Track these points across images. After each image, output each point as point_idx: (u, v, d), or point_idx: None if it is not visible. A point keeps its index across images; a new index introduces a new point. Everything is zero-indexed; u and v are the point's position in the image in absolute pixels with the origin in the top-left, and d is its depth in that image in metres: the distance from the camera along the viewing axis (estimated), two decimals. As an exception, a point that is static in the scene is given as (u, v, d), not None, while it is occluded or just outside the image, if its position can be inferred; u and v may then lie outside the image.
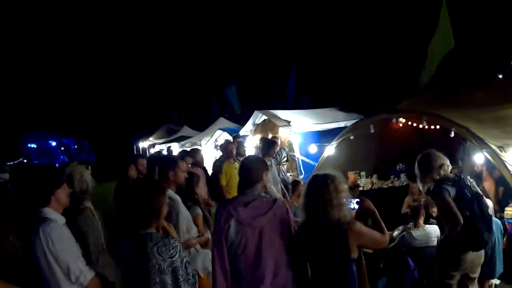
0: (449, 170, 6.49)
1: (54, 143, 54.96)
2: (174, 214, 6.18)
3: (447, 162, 6.52)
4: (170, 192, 6.33)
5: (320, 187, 4.73)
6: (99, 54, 76.82)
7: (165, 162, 7.08)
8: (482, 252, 6.46)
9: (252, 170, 5.12)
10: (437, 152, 6.55)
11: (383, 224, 4.95)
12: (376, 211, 5.05)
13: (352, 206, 5.04)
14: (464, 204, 6.20)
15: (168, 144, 30.23)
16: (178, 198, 6.49)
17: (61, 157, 52.41)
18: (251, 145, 17.62)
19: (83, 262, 5.04)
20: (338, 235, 4.60)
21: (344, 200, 4.75)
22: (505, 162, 8.50)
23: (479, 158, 9.92)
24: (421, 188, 6.86)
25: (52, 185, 5.30)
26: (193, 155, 11.55)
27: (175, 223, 6.07)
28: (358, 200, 5.11)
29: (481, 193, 6.41)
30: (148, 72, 74.31)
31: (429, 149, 6.68)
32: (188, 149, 14.60)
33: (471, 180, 6.51)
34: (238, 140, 15.40)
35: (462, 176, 6.42)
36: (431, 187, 6.52)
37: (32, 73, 72.91)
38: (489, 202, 9.15)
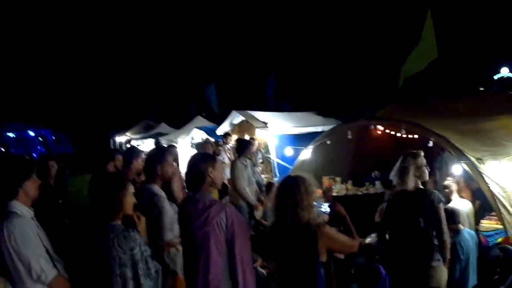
0: (418, 184, 6.37)
1: (32, 134, 54.59)
2: (157, 210, 6.05)
3: (423, 178, 6.41)
4: (155, 188, 6.33)
5: (291, 188, 4.72)
6: (81, 48, 76.65)
7: (153, 155, 6.90)
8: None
9: (191, 174, 5.04)
10: (420, 161, 6.42)
11: (353, 229, 4.95)
12: (347, 216, 5.01)
13: (323, 210, 4.96)
14: (398, 225, 6.29)
15: (155, 138, 30.00)
16: (163, 194, 6.34)
17: (39, 148, 52.09)
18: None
19: (47, 261, 4.81)
20: (307, 237, 4.56)
21: (315, 203, 4.69)
22: (483, 175, 8.43)
23: (457, 169, 9.85)
24: (395, 184, 6.73)
25: (20, 176, 5.08)
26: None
27: (157, 219, 5.97)
28: (329, 203, 5.02)
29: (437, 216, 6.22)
30: (129, 67, 74.20)
31: (419, 152, 6.55)
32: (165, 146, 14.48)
33: (440, 197, 6.37)
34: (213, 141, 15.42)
35: (422, 193, 6.29)
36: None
37: (12, 64, 72.40)
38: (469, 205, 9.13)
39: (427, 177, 6.59)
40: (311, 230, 4.55)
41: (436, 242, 6.08)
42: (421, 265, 6.09)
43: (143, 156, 8.37)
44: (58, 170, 10.28)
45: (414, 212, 6.06)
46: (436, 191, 6.38)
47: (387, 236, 6.67)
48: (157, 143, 24.39)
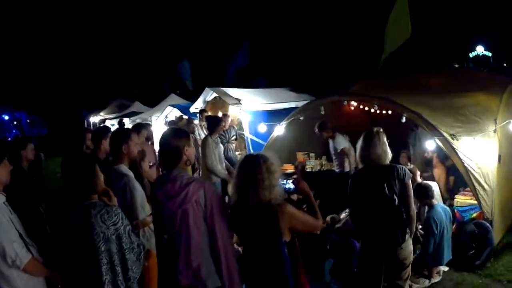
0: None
1: (6, 117, 54.12)
2: (129, 190, 5.95)
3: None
4: (124, 168, 6.22)
5: (251, 167, 4.57)
6: (52, 28, 75.87)
7: (117, 135, 6.75)
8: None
9: (167, 152, 4.85)
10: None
11: (317, 207, 4.81)
12: (311, 194, 4.90)
13: (287, 187, 4.84)
14: (371, 200, 6.18)
15: (119, 118, 29.87)
16: (131, 174, 6.25)
17: (14, 131, 51.65)
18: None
19: (20, 245, 4.77)
20: (268, 217, 4.45)
21: (276, 182, 4.57)
22: (457, 151, 8.47)
23: (430, 145, 9.86)
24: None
25: None
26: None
27: (130, 200, 5.90)
28: (293, 181, 4.91)
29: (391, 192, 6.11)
30: (101, 46, 73.67)
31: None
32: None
33: (409, 173, 6.30)
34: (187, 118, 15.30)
35: (393, 169, 6.19)
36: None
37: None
38: (436, 187, 9.16)
39: None
40: (272, 209, 4.44)
41: (404, 216, 6.05)
42: (395, 241, 6.05)
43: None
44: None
45: (389, 188, 5.99)
46: (403, 166, 6.31)
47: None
48: (121, 123, 24.33)
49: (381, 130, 6.35)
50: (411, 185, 6.15)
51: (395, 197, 5.97)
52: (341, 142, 11.42)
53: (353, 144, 13.45)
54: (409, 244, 6.19)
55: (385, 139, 6.24)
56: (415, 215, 6.18)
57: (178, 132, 5.06)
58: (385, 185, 5.98)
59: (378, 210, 6.08)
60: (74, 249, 4.46)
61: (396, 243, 6.07)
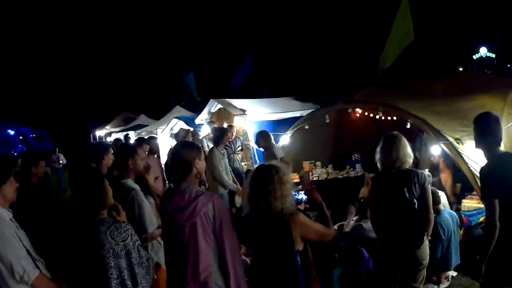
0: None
1: (12, 132, 54.02)
2: (137, 204, 6.03)
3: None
4: (130, 182, 6.32)
5: (264, 177, 4.61)
6: (57, 42, 76.06)
7: (124, 150, 6.85)
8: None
9: (177, 164, 4.86)
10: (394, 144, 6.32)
11: (329, 216, 4.89)
12: (323, 203, 4.98)
13: (300, 197, 4.86)
14: (392, 204, 6.25)
15: (125, 132, 29.83)
16: (138, 187, 6.32)
17: (19, 146, 51.61)
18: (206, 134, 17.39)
19: (28, 261, 4.80)
20: (280, 226, 4.48)
21: (288, 192, 4.61)
22: (462, 155, 8.46)
23: (435, 149, 9.85)
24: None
25: None
26: (149, 143, 11.28)
27: (138, 214, 5.98)
28: (305, 191, 4.94)
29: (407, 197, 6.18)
30: (107, 60, 73.81)
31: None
32: (145, 137, 14.36)
33: (428, 178, 6.35)
34: (192, 130, 15.31)
35: (413, 173, 6.23)
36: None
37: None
38: (442, 195, 9.13)
39: None
40: (284, 219, 4.48)
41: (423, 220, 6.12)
42: (414, 243, 6.15)
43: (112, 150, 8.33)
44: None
45: (409, 192, 6.04)
46: (423, 171, 6.35)
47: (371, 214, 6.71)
48: (126, 137, 24.42)
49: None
50: (430, 190, 6.26)
51: (415, 201, 6.08)
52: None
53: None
54: (426, 246, 6.31)
55: (406, 141, 6.28)
56: (433, 218, 6.30)
57: (189, 145, 5.13)
58: (405, 189, 6.06)
59: (398, 213, 6.16)
60: (83, 264, 4.49)
61: (415, 246, 6.18)
